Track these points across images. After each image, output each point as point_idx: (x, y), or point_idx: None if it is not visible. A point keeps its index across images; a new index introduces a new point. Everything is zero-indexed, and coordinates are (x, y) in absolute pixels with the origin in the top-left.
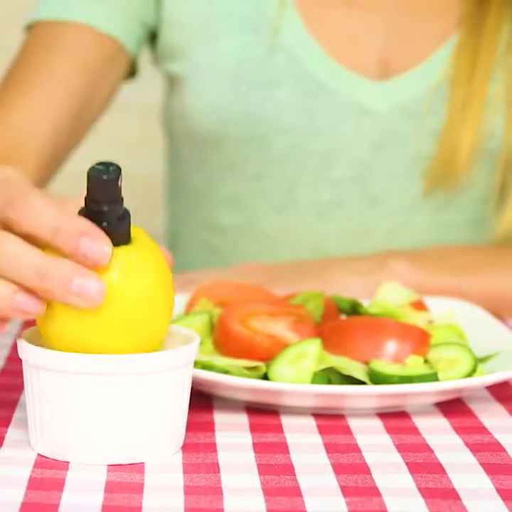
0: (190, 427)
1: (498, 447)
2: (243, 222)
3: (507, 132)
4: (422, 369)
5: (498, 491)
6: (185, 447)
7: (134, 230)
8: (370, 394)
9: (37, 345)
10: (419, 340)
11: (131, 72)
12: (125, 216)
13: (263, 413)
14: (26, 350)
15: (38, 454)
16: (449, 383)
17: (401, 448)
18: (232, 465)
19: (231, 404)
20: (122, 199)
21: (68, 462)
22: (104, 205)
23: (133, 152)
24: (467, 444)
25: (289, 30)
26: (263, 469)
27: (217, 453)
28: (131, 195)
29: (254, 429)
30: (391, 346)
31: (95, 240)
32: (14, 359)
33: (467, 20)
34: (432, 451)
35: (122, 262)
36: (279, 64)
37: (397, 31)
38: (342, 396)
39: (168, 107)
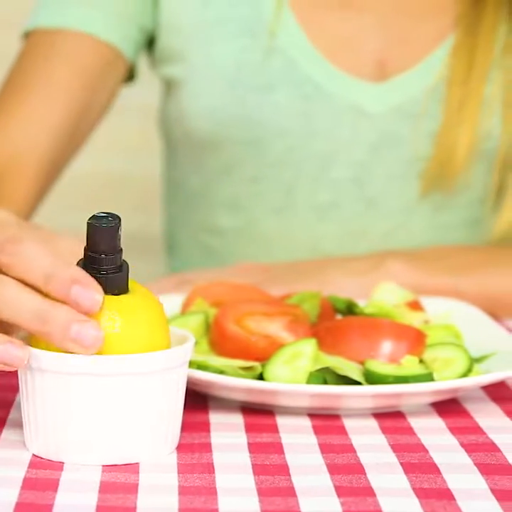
0: (185, 427)
1: (493, 447)
2: (241, 225)
3: (503, 133)
4: (417, 369)
5: (493, 491)
6: (180, 447)
7: (130, 282)
8: (365, 394)
9: (31, 346)
10: (415, 340)
11: (130, 76)
12: (124, 266)
13: (258, 413)
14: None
15: (33, 455)
16: (445, 383)
17: (396, 448)
18: (227, 465)
19: (226, 405)
20: (121, 249)
21: (63, 462)
22: (104, 254)
23: (131, 154)
24: (462, 444)
25: (285, 33)
26: (258, 469)
27: (212, 453)
28: (130, 197)
29: (249, 429)
30: (386, 346)
31: (87, 288)
32: None
33: (463, 21)
34: (426, 451)
35: (123, 311)
36: (275, 67)
37: (393, 32)
38: (337, 396)
39: (165, 111)
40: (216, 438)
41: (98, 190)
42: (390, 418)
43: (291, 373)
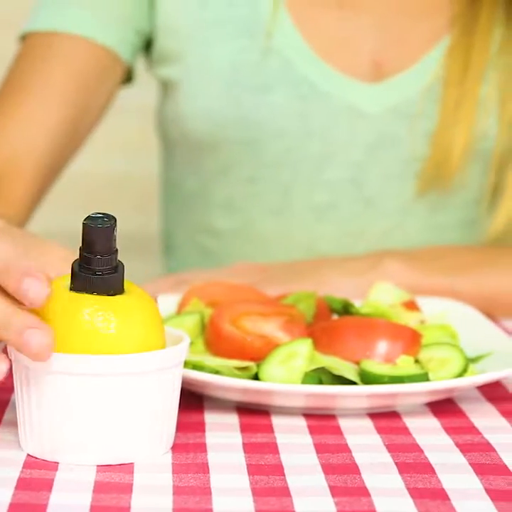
0: (180, 427)
1: (488, 447)
2: (238, 226)
3: (499, 133)
4: (412, 369)
5: (487, 491)
6: (175, 447)
7: (125, 282)
8: (360, 394)
9: None
10: (410, 340)
11: (128, 78)
12: (119, 267)
13: (254, 413)
14: (15, 351)
15: (28, 455)
16: (440, 383)
17: (391, 448)
18: (222, 465)
19: (222, 405)
20: (117, 250)
21: (57, 462)
22: (99, 255)
23: (130, 154)
24: (457, 444)
25: (281, 33)
26: (252, 469)
27: (207, 453)
28: (128, 198)
29: (244, 429)
30: (382, 346)
31: (38, 281)
32: None
33: (459, 22)
34: (421, 451)
35: (118, 312)
36: (272, 68)
37: (389, 33)
38: (333, 396)
39: (162, 112)
40: (211, 438)
41: (96, 190)
42: (386, 418)
43: (286, 373)
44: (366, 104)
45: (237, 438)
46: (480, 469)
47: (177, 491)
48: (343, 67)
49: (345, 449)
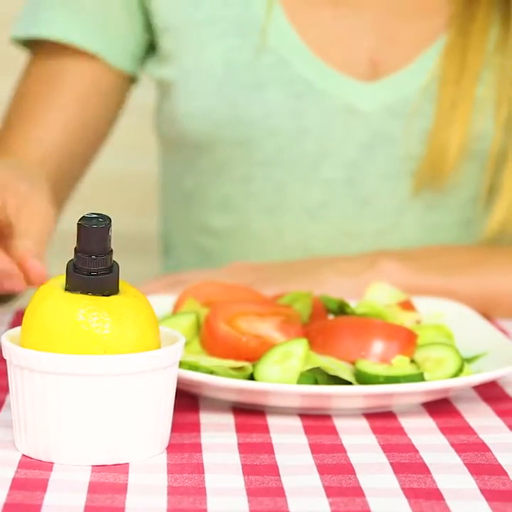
0: (175, 427)
1: (483, 447)
2: (234, 225)
3: (495, 133)
4: (408, 369)
5: (482, 491)
6: (170, 448)
7: (120, 282)
8: (356, 394)
9: (20, 346)
10: (406, 340)
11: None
12: (114, 267)
13: (249, 413)
14: (10, 351)
15: (23, 455)
16: (436, 383)
17: (386, 448)
18: (217, 465)
19: (217, 405)
20: (112, 250)
21: (52, 463)
22: (94, 255)
23: (129, 154)
24: (452, 445)
25: (275, 31)
26: (247, 470)
27: (202, 453)
28: (128, 198)
29: (239, 429)
30: (377, 346)
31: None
32: None
33: (456, 21)
34: (416, 451)
35: (113, 312)
36: (266, 66)
37: (385, 31)
38: (328, 396)
39: (159, 112)
40: (206, 438)
41: (96, 190)
42: (381, 418)
43: (281, 373)
44: (362, 102)
45: (232, 438)
46: (475, 469)
47: (172, 491)
48: (339, 65)
49: (341, 449)
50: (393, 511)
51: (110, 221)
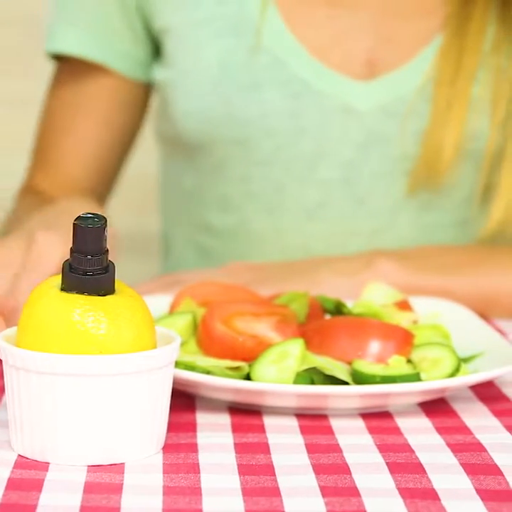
0: (171, 427)
1: (479, 447)
2: (233, 224)
3: (491, 133)
4: (404, 369)
5: (478, 491)
6: (166, 448)
7: (116, 282)
8: (352, 394)
9: (16, 346)
10: (402, 340)
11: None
12: (110, 267)
13: (246, 413)
14: (5, 351)
15: (19, 455)
16: (432, 383)
17: (382, 448)
18: (213, 465)
19: (213, 405)
20: (108, 250)
21: (48, 463)
22: (90, 255)
23: (130, 154)
24: (448, 444)
25: (270, 31)
26: (243, 470)
27: (198, 453)
28: (128, 197)
29: (236, 429)
30: (374, 346)
31: None
32: None
33: (452, 22)
34: (413, 451)
35: (109, 312)
36: (262, 66)
37: (381, 31)
38: (324, 396)
39: (158, 112)
40: (202, 438)
41: None
42: (377, 418)
43: (278, 373)
44: (358, 101)
45: (228, 438)
46: (471, 469)
47: (167, 491)
48: (335, 64)
49: (337, 449)
50: (389, 511)
51: (106, 221)
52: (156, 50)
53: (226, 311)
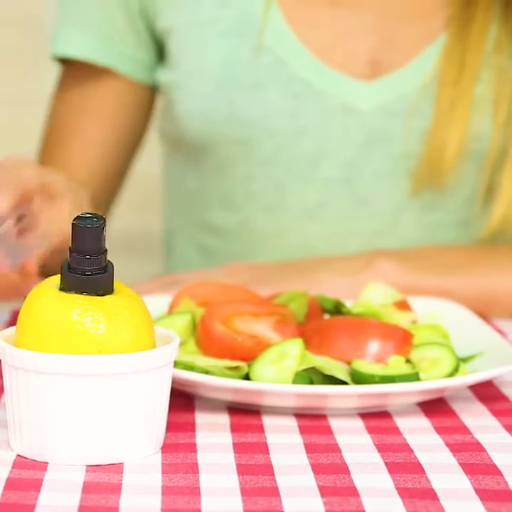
0: (170, 427)
1: (478, 447)
2: (236, 223)
3: (493, 133)
4: (403, 369)
5: (476, 491)
6: (165, 447)
7: (115, 282)
8: (351, 394)
9: (15, 346)
10: (401, 340)
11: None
12: (109, 267)
13: (245, 413)
14: (4, 351)
15: (17, 455)
16: (431, 383)
17: (381, 448)
18: (212, 465)
19: (212, 405)
20: (106, 250)
21: (47, 463)
22: (88, 255)
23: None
24: (447, 444)
25: (273, 31)
26: (242, 469)
27: (196, 453)
28: (129, 197)
29: (235, 429)
30: (373, 346)
31: None
32: None
33: (454, 22)
34: (411, 451)
35: (107, 312)
36: (264, 66)
37: (384, 31)
38: (323, 396)
39: (161, 111)
40: (201, 438)
41: None
42: (376, 418)
43: (277, 373)
44: (360, 101)
45: (227, 438)
46: (470, 469)
47: (166, 491)
48: (337, 64)
49: (336, 448)
50: (387, 511)
51: (104, 221)
52: (159, 52)
53: (225, 311)
